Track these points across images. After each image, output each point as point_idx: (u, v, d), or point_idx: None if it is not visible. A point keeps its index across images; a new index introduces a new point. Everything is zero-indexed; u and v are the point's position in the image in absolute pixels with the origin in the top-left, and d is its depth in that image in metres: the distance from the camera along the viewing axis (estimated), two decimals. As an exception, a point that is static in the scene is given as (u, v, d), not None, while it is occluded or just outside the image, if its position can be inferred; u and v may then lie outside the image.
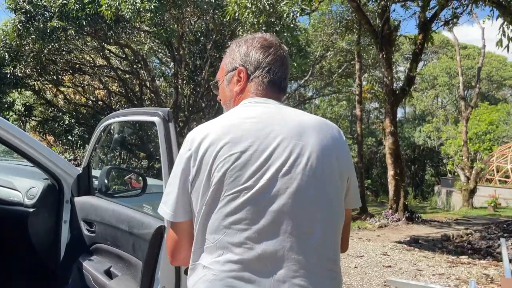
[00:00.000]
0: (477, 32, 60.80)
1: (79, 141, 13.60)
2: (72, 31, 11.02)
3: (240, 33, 6.75)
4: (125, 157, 18.33)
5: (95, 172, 2.87)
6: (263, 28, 6.82)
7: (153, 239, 1.94)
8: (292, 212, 1.14)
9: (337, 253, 1.23)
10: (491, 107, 35.19)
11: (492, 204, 15.98)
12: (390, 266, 5.88)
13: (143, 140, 17.45)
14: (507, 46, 7.98)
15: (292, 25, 6.81)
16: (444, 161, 35.48)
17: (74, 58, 14.63)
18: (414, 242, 8.28)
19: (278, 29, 6.89)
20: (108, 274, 2.27)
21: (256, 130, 1.18)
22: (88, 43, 13.89)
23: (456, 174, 33.35)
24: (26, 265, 2.80)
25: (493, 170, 22.16)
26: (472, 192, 16.52)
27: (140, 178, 3.11)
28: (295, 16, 6.60)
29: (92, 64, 15.03)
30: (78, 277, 2.43)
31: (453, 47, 38.70)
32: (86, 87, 16.73)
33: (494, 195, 16.79)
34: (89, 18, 10.94)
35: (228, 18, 6.90)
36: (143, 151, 18.02)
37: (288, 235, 1.13)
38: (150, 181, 3.19)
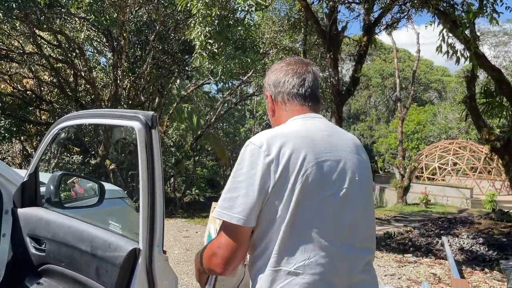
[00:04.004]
0: (406, 36, 64.58)
1: (6, 134, 12.41)
2: (0, 14, 10.00)
3: (192, 24, 6.42)
4: (55, 152, 17.02)
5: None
6: (216, 22, 6.54)
7: (125, 263, 1.65)
8: (358, 218, 1.28)
9: None
10: (419, 108, 37.39)
11: (424, 201, 16.85)
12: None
13: (76, 132, 16.35)
14: (447, 52, 8.30)
15: (246, 20, 6.59)
16: (376, 158, 37.17)
17: (1, 43, 13.38)
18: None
19: (231, 23, 6.65)
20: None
21: (328, 142, 1.28)
22: (17, 28, 12.73)
23: (386, 171, 35.02)
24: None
25: (422, 168, 23.47)
26: (406, 190, 17.30)
27: (96, 185, 2.71)
28: (250, 11, 6.39)
29: (21, 51, 13.80)
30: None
31: (386, 50, 40.69)
32: (13, 75, 15.36)
33: (425, 192, 17.71)
34: (20, 1, 9.98)
35: (179, 8, 6.54)
36: (76, 145, 16.90)
37: (358, 239, 1.27)
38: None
